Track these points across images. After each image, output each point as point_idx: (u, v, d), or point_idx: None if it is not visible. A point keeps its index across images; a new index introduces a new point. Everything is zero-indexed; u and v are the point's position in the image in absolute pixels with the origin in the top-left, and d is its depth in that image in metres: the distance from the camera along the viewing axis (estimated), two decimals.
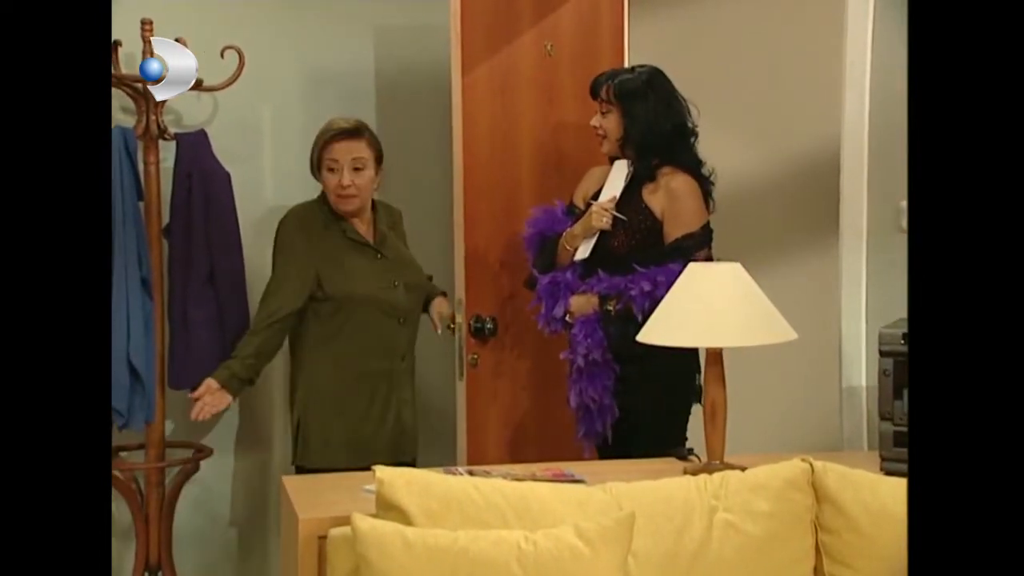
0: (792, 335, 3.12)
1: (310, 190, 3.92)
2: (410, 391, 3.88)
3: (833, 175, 3.70)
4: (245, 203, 4.16)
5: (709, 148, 3.62)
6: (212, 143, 4.08)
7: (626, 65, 3.94)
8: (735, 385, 3.15)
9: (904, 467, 2.12)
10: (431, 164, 4.33)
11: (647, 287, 3.42)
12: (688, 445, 3.44)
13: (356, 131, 3.81)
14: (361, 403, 3.78)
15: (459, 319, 3.84)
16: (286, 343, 3.87)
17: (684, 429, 3.57)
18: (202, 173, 4.03)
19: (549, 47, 4.02)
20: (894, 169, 3.11)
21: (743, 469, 2.95)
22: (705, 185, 3.58)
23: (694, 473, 2.98)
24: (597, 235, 3.57)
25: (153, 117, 3.95)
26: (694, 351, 3.51)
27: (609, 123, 3.60)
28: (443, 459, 3.82)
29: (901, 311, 3.10)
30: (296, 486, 3.05)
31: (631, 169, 3.59)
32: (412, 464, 3.75)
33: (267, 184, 4.37)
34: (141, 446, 4.06)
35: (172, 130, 4.05)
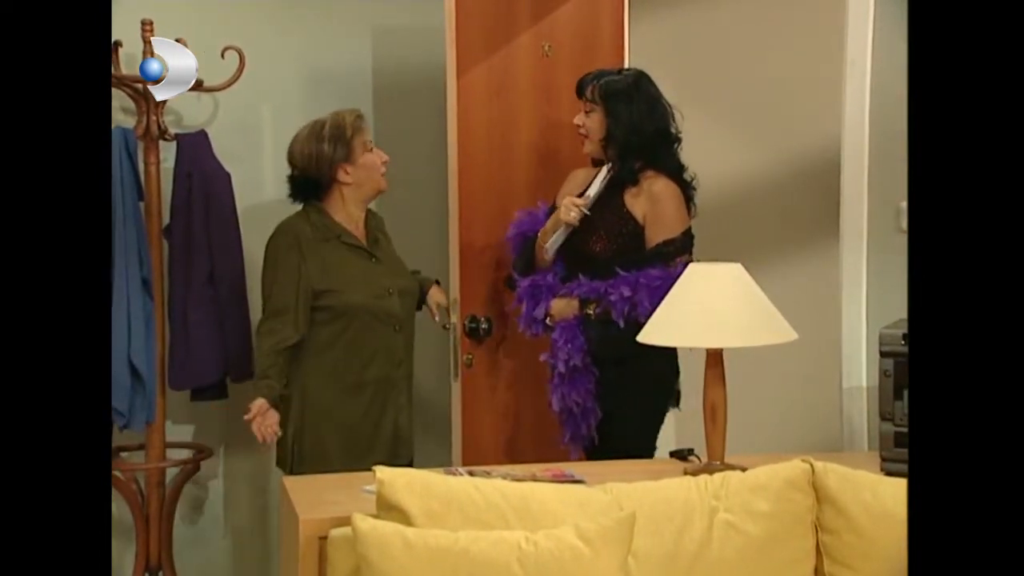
0: (792, 335, 3.12)
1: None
2: (407, 397, 3.85)
3: (833, 175, 3.69)
4: (245, 203, 4.17)
5: (709, 148, 3.62)
6: (212, 143, 4.09)
7: (626, 65, 3.95)
8: (735, 385, 3.15)
9: (904, 468, 2.11)
10: (428, 164, 4.33)
11: (627, 292, 3.43)
12: (689, 446, 3.44)
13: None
14: (357, 411, 3.75)
15: (454, 319, 3.84)
16: None
17: (656, 434, 3.60)
18: (202, 173, 4.04)
19: (547, 48, 4.02)
20: (894, 169, 3.11)
21: (743, 469, 2.96)
22: (687, 190, 3.58)
23: (694, 473, 2.99)
24: (569, 230, 3.57)
25: (153, 117, 3.95)
26: (674, 356, 3.51)
27: (592, 122, 3.60)
28: (439, 460, 3.81)
29: (901, 311, 3.10)
30: (296, 486, 3.04)
31: (611, 172, 3.58)
32: (409, 466, 3.74)
33: (267, 184, 4.37)
34: (141, 446, 4.06)
35: (172, 130, 4.06)
